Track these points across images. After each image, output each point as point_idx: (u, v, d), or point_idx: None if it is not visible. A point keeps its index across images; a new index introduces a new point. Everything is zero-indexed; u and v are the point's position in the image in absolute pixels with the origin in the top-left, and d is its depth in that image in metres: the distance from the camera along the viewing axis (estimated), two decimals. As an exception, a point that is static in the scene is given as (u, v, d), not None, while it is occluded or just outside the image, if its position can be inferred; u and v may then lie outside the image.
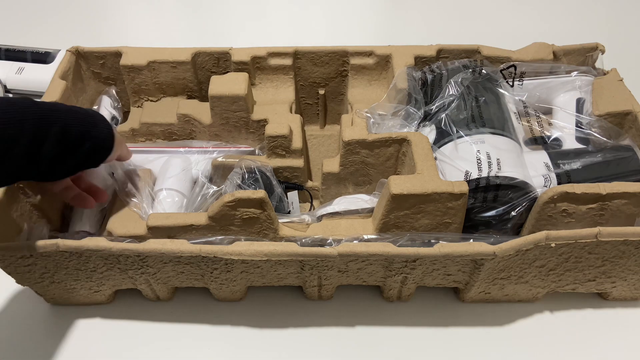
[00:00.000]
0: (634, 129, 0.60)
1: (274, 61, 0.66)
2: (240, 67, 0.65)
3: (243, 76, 0.60)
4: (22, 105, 0.42)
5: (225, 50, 0.65)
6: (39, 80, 0.77)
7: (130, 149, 0.62)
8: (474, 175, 0.52)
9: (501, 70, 0.63)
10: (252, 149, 0.63)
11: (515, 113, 0.61)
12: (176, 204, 0.57)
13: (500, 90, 0.61)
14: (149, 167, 0.61)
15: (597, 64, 0.66)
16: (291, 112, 0.63)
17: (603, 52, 0.65)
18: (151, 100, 0.67)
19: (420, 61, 0.65)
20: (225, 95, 0.59)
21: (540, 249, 0.49)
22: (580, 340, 0.55)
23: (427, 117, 0.59)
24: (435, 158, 0.55)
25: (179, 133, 0.64)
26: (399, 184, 0.50)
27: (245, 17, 0.99)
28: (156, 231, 0.51)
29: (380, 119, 0.59)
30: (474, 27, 0.95)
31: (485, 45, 0.66)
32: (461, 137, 0.55)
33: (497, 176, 0.52)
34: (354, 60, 0.66)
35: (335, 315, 0.57)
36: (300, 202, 0.62)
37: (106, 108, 0.66)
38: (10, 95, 0.82)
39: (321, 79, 0.69)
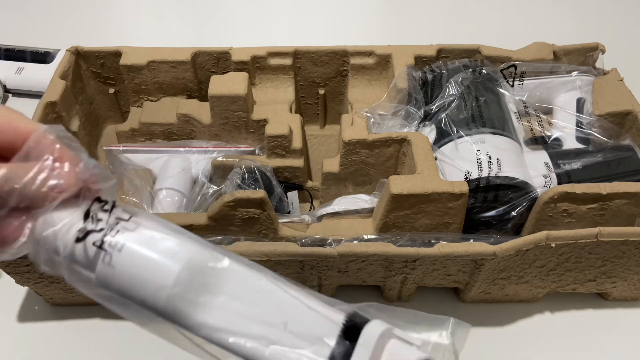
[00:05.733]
0: (634, 129, 0.60)
1: (274, 61, 0.65)
2: (240, 66, 0.65)
3: (243, 76, 0.60)
4: None
5: (225, 50, 0.65)
6: (39, 80, 0.77)
7: (130, 148, 0.62)
8: (474, 175, 0.52)
9: (501, 70, 0.63)
10: (252, 149, 0.63)
11: (515, 113, 0.61)
12: (176, 204, 0.57)
13: (501, 90, 0.61)
14: (148, 167, 0.61)
15: (598, 64, 0.66)
16: (291, 112, 0.63)
17: (603, 52, 0.65)
18: (151, 100, 0.67)
19: (421, 61, 0.65)
20: (225, 95, 0.59)
21: (541, 249, 0.49)
22: (580, 341, 0.55)
23: (427, 117, 0.59)
24: (436, 158, 0.55)
25: (178, 133, 0.64)
26: (399, 184, 0.50)
27: (245, 17, 0.99)
28: (156, 231, 0.50)
29: (380, 118, 0.59)
30: (474, 26, 0.95)
31: (485, 45, 0.65)
32: (461, 137, 0.55)
33: (498, 176, 0.52)
34: (354, 60, 0.66)
35: (335, 316, 0.57)
36: (300, 202, 0.62)
37: None
38: (10, 95, 0.82)
39: (321, 79, 0.69)
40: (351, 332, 0.27)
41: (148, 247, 0.28)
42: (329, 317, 0.28)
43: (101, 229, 0.28)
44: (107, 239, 0.28)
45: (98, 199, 0.29)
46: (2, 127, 0.28)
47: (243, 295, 0.28)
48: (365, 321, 0.28)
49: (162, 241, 0.29)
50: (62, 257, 0.28)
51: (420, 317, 0.29)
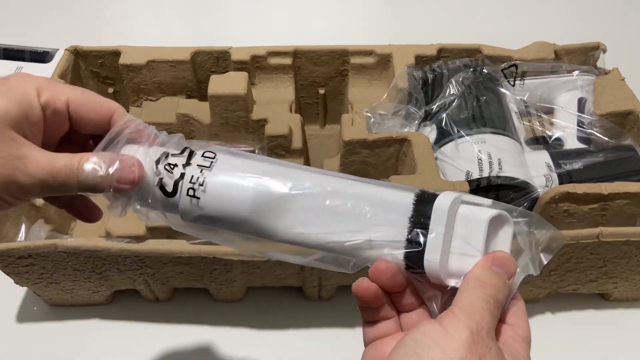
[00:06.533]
0: (635, 129, 0.60)
1: (274, 60, 0.65)
2: (240, 66, 0.65)
3: (243, 75, 0.60)
4: None
5: (225, 49, 0.65)
6: (38, 80, 0.77)
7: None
8: (475, 175, 0.52)
9: (502, 70, 0.63)
10: (252, 148, 0.62)
11: (516, 113, 0.60)
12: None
13: (502, 90, 0.60)
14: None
15: (599, 63, 0.66)
16: (291, 111, 0.63)
17: (605, 51, 0.65)
18: (150, 100, 0.67)
19: (421, 60, 0.64)
20: (225, 94, 0.58)
21: (542, 250, 0.48)
22: (581, 341, 0.55)
23: (427, 117, 0.59)
24: (436, 158, 0.54)
25: (178, 133, 0.63)
26: (399, 184, 0.50)
27: (245, 17, 0.99)
28: (155, 232, 0.50)
29: (380, 118, 0.59)
30: (475, 26, 0.95)
31: (486, 45, 0.65)
32: (462, 137, 0.55)
33: (498, 176, 0.52)
34: (354, 60, 0.66)
35: (335, 316, 0.57)
36: (300, 202, 0.62)
37: None
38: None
39: (321, 79, 0.69)
40: (423, 208, 0.29)
41: (226, 178, 0.31)
42: (400, 201, 0.30)
43: (182, 175, 0.31)
44: (195, 186, 0.31)
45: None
46: (89, 108, 0.32)
47: (320, 202, 0.30)
48: (434, 196, 0.29)
49: (237, 171, 0.31)
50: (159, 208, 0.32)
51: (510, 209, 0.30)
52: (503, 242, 0.29)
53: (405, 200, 0.29)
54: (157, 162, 0.32)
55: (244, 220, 0.31)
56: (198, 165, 0.31)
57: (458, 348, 0.25)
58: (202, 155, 0.32)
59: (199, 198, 0.31)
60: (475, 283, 0.27)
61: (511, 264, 0.28)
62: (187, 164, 0.31)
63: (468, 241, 0.28)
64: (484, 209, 0.29)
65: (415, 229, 0.29)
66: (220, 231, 0.32)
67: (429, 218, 0.28)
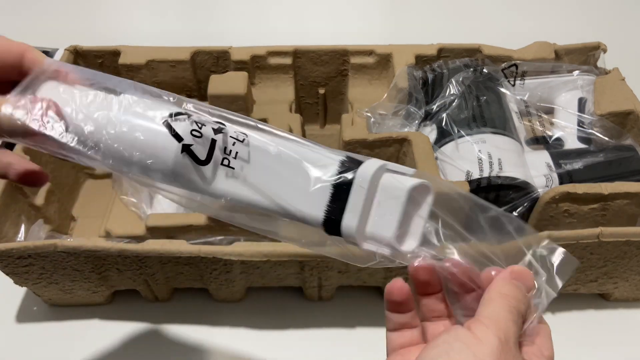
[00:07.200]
0: (635, 129, 0.60)
1: (274, 60, 0.65)
2: (240, 66, 0.65)
3: (242, 75, 0.60)
4: None
5: (225, 49, 0.65)
6: (38, 80, 0.77)
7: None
8: (475, 175, 0.52)
9: (502, 70, 0.63)
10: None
11: (516, 112, 0.60)
12: (175, 204, 0.56)
13: (502, 90, 0.60)
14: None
15: (599, 63, 0.66)
16: (291, 111, 0.63)
17: (605, 51, 0.65)
18: (150, 100, 0.67)
19: (421, 60, 0.64)
20: (225, 94, 0.58)
21: (542, 250, 0.48)
22: (581, 341, 0.55)
23: (427, 117, 0.59)
24: (436, 158, 0.54)
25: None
26: (399, 184, 0.50)
27: (245, 16, 0.99)
28: (155, 231, 0.50)
29: (380, 118, 0.59)
30: (475, 26, 0.95)
31: (486, 44, 0.65)
32: (462, 136, 0.55)
33: (499, 176, 0.51)
34: (354, 60, 0.66)
35: (335, 316, 0.57)
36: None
37: None
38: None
39: (321, 78, 0.69)
40: (347, 174, 0.30)
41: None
42: (330, 157, 0.31)
43: (213, 141, 0.31)
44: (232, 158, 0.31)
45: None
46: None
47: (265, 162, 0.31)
48: (359, 162, 0.30)
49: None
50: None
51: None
52: (422, 211, 0.30)
53: (334, 158, 0.30)
54: (175, 116, 0.30)
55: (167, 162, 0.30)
56: (231, 136, 0.31)
57: (489, 354, 0.26)
58: (234, 131, 0.32)
59: (233, 168, 0.30)
60: (497, 295, 0.28)
61: (529, 277, 0.30)
62: (219, 131, 0.31)
63: (388, 208, 0.29)
64: (406, 178, 0.29)
65: (337, 194, 0.29)
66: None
67: (350, 184, 0.29)
